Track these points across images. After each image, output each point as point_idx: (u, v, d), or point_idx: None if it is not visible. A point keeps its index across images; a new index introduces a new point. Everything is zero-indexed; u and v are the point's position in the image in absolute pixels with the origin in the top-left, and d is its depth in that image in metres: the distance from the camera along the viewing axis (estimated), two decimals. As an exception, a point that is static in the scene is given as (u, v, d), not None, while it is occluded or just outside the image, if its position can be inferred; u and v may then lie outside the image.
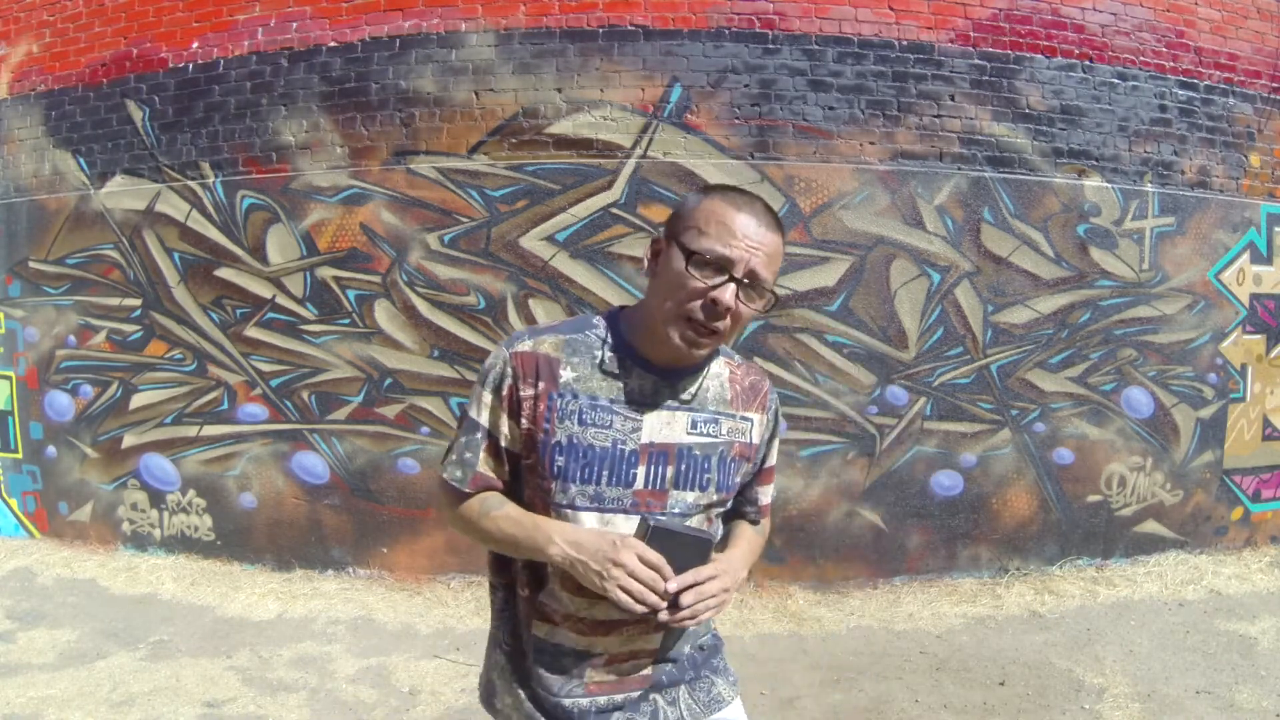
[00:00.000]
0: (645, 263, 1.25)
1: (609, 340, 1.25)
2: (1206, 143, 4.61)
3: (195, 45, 4.50)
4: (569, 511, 1.21)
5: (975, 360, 4.36)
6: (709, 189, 1.22)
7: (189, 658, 3.47)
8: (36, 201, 4.91)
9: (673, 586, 1.12)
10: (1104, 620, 3.84)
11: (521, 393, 1.21)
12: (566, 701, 1.24)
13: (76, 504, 4.93)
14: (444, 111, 4.18)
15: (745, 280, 1.14)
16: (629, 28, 4.10)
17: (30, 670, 3.33)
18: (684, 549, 1.14)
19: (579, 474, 1.20)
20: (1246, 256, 4.75)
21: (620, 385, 1.22)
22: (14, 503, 5.14)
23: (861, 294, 4.23)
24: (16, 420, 5.08)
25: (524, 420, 1.22)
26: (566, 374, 1.21)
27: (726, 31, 4.11)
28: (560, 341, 1.24)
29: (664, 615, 1.12)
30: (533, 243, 4.18)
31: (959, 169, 4.26)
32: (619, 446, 1.20)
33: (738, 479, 1.32)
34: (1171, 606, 4.00)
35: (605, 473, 1.20)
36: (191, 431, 4.63)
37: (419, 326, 4.27)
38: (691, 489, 1.24)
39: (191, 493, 4.64)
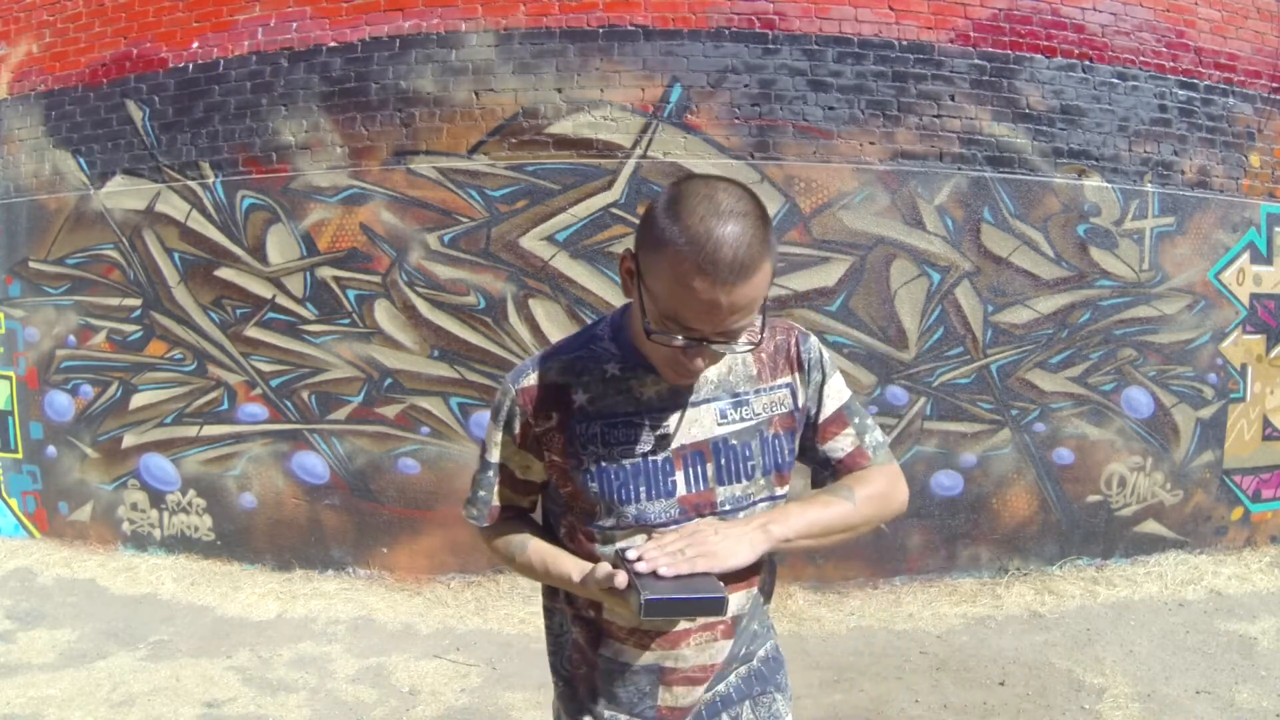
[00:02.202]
0: (621, 280, 1.12)
1: (615, 350, 1.18)
2: (1206, 143, 4.61)
3: (195, 45, 4.50)
4: (618, 533, 1.16)
5: (975, 360, 4.36)
6: (666, 214, 1.00)
7: (189, 658, 3.47)
8: (36, 201, 4.91)
9: (632, 554, 1.08)
10: (1104, 620, 3.84)
11: (536, 429, 1.17)
12: None
13: (76, 504, 4.93)
14: (444, 111, 4.18)
15: (718, 339, 1.03)
16: (629, 28, 4.10)
17: (30, 670, 3.33)
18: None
19: (617, 495, 1.14)
20: (1246, 256, 4.75)
21: (636, 396, 1.16)
22: (14, 503, 5.14)
23: (861, 294, 4.23)
24: (16, 420, 5.08)
25: (549, 454, 1.18)
26: (579, 397, 1.15)
27: (726, 31, 4.11)
28: (565, 364, 1.18)
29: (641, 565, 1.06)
30: (533, 243, 4.18)
31: (959, 169, 4.26)
32: (650, 459, 1.15)
33: (790, 454, 1.23)
34: (1171, 606, 4.00)
35: (643, 489, 1.14)
36: (191, 431, 4.63)
37: (419, 326, 4.27)
38: (737, 481, 1.18)
39: (191, 493, 4.64)
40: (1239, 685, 3.16)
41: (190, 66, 4.51)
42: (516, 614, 3.90)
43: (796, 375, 1.23)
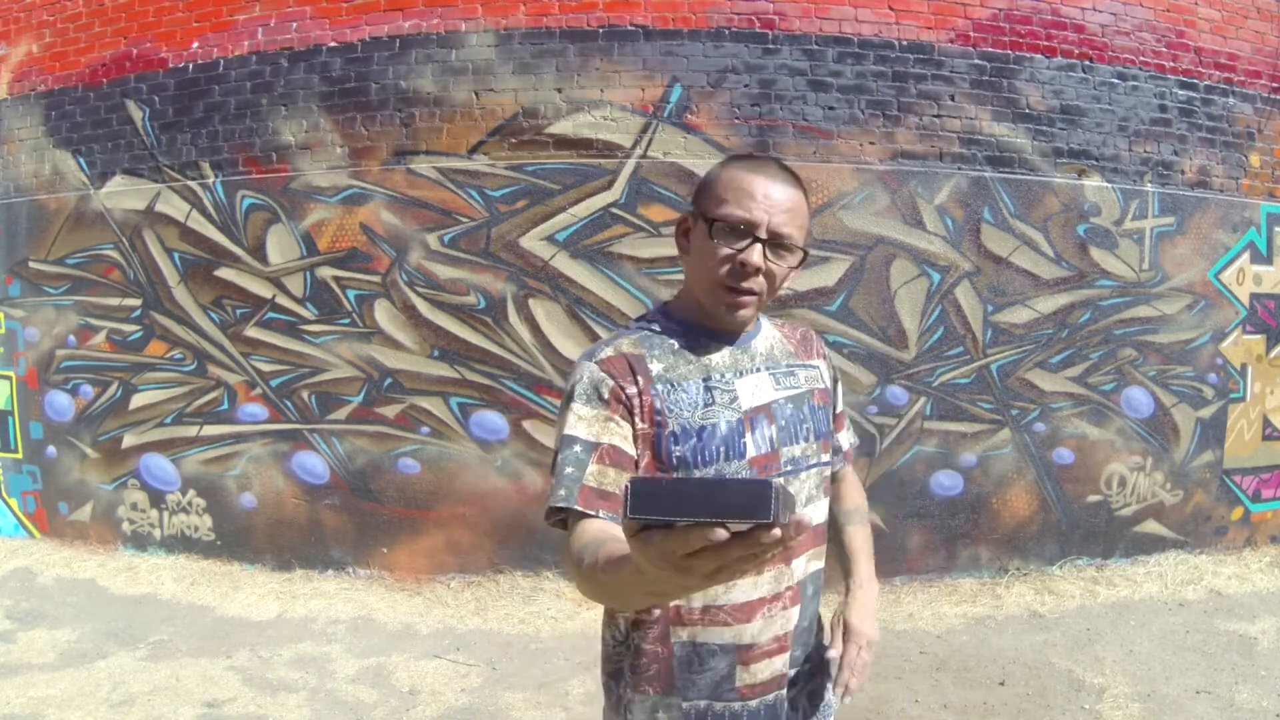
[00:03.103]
0: (676, 243, 1.27)
1: (675, 327, 1.25)
2: (1206, 143, 4.61)
3: (195, 45, 4.50)
4: None
5: (975, 360, 4.36)
6: (725, 161, 1.23)
7: (189, 658, 3.47)
8: (36, 201, 4.91)
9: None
10: (1104, 620, 3.84)
11: (628, 390, 1.16)
12: (719, 705, 1.21)
13: (76, 504, 4.93)
14: (444, 111, 4.18)
15: (770, 239, 1.16)
16: (629, 28, 4.10)
17: (30, 670, 3.33)
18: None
19: (699, 458, 1.17)
20: (1246, 256, 4.75)
21: (705, 363, 1.22)
22: (14, 503, 5.14)
23: (861, 294, 4.23)
24: (16, 420, 5.08)
25: (637, 419, 1.16)
26: (655, 365, 1.20)
27: (726, 31, 4.11)
28: (635, 339, 1.23)
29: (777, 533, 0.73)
30: (533, 243, 4.18)
31: (959, 169, 4.26)
32: (726, 421, 1.19)
33: (830, 425, 1.34)
34: (1171, 606, 4.00)
35: (722, 449, 1.18)
36: (191, 431, 4.63)
37: (419, 326, 4.27)
38: (797, 442, 1.25)
39: (191, 493, 4.64)
40: (1239, 685, 3.16)
41: (190, 66, 4.51)
42: (516, 614, 3.90)
43: (823, 362, 1.39)
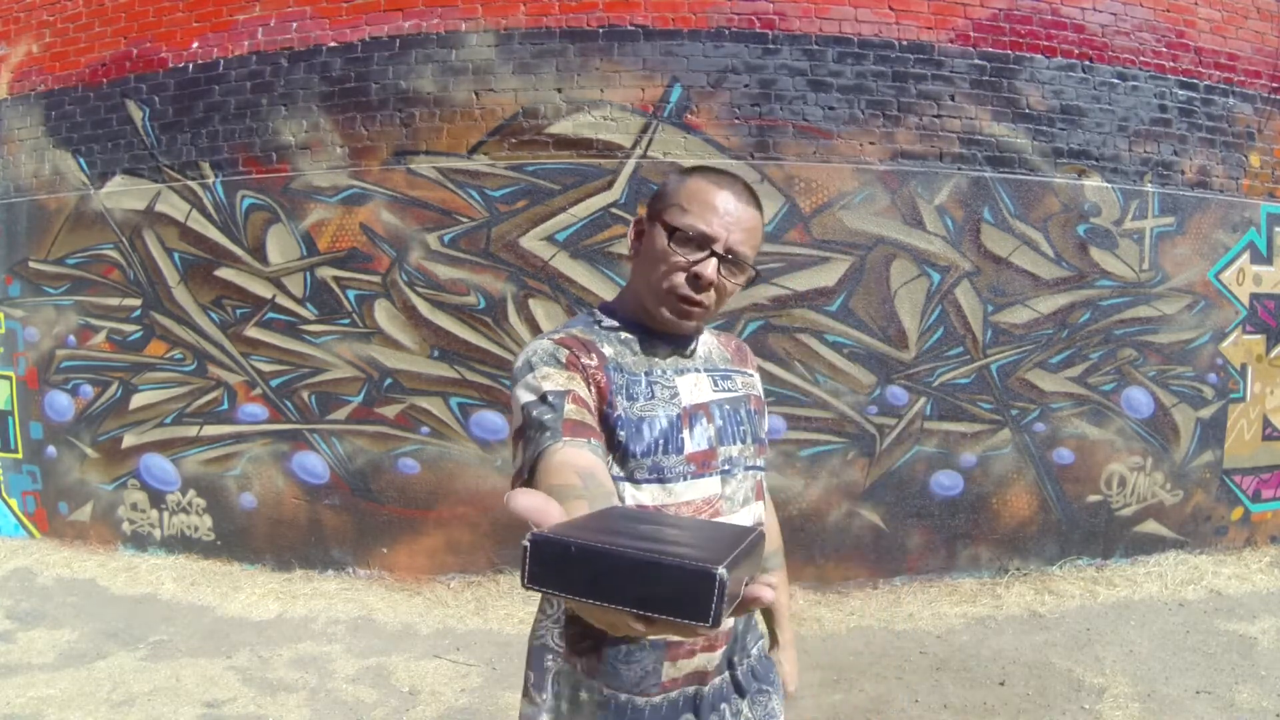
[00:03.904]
0: (629, 243, 1.27)
1: (620, 323, 1.27)
2: (1206, 143, 4.61)
3: (195, 45, 4.50)
4: (628, 485, 1.15)
5: (975, 360, 4.36)
6: (690, 169, 1.25)
7: (189, 658, 3.47)
8: (36, 201, 4.91)
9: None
10: (1104, 620, 3.84)
11: (584, 361, 1.16)
12: (639, 699, 1.19)
13: (76, 504, 4.93)
14: (444, 111, 4.18)
15: (726, 255, 1.18)
16: (629, 28, 4.10)
17: (30, 670, 3.33)
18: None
19: (639, 448, 1.16)
20: (1246, 256, 4.76)
21: (648, 358, 1.24)
22: (14, 503, 5.14)
23: (861, 294, 4.23)
24: (16, 420, 5.08)
25: (591, 391, 1.15)
26: (607, 350, 1.21)
27: (726, 31, 4.11)
28: (582, 329, 1.24)
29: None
30: (533, 243, 4.18)
31: (959, 169, 4.26)
32: (665, 414, 1.20)
33: (764, 432, 1.35)
34: (1171, 606, 4.00)
35: (662, 442, 1.18)
36: (191, 431, 4.63)
37: (419, 326, 4.27)
38: (735, 442, 1.26)
39: (191, 493, 4.64)
40: (1239, 685, 3.16)
41: (190, 66, 4.51)
42: (516, 614, 3.90)
43: (756, 373, 1.41)
